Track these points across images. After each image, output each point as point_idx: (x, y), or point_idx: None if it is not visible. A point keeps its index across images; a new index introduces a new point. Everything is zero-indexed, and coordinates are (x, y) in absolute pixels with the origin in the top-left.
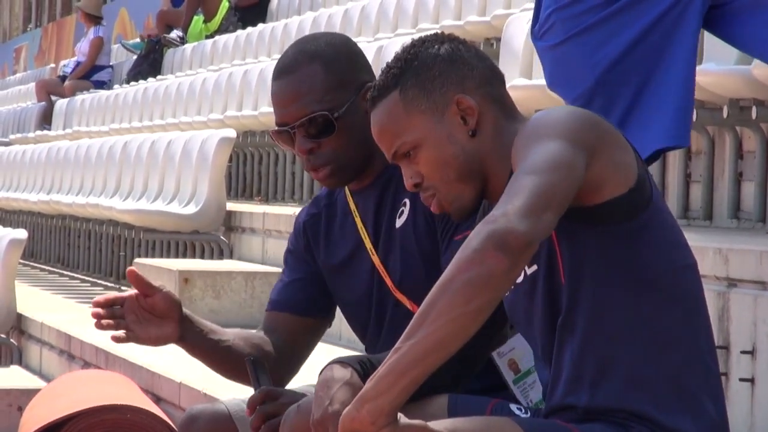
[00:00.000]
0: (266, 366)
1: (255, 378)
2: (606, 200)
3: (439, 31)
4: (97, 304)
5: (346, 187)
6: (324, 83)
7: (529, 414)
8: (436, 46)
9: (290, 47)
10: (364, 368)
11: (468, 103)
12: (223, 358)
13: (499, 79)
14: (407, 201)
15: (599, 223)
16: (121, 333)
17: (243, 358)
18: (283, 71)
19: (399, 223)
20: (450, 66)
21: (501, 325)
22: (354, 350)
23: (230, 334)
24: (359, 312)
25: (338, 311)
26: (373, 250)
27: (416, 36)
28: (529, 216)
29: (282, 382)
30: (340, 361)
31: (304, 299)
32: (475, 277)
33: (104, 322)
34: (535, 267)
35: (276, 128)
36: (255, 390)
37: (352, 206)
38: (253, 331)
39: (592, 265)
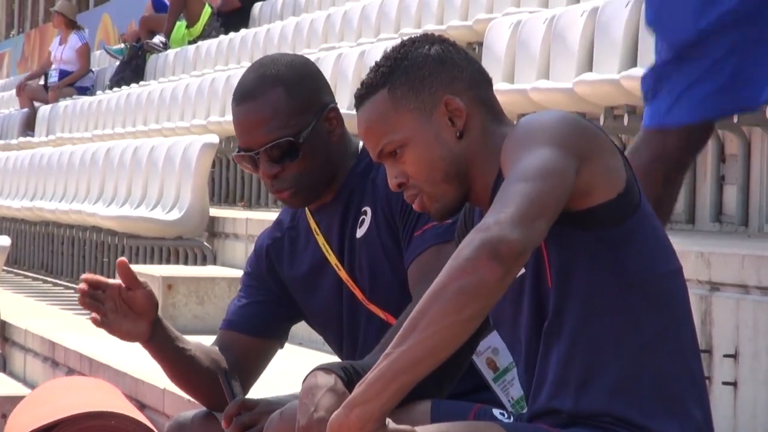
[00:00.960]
0: (238, 377)
1: (229, 389)
2: (595, 205)
3: (429, 32)
4: (85, 280)
5: (306, 207)
6: (287, 107)
7: (512, 419)
8: (426, 47)
9: (250, 71)
10: (347, 374)
11: (456, 105)
12: (184, 368)
13: (487, 82)
14: (368, 209)
15: (588, 228)
16: (96, 315)
17: (202, 370)
18: (245, 96)
19: (360, 232)
20: (440, 67)
21: (483, 330)
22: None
23: (192, 345)
24: (332, 329)
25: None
26: (339, 266)
27: (398, 41)
28: (521, 224)
29: None
30: (324, 368)
31: (261, 322)
32: (467, 286)
33: (87, 300)
34: (522, 270)
35: (239, 153)
36: (229, 401)
37: (313, 225)
38: (210, 345)
39: (580, 270)
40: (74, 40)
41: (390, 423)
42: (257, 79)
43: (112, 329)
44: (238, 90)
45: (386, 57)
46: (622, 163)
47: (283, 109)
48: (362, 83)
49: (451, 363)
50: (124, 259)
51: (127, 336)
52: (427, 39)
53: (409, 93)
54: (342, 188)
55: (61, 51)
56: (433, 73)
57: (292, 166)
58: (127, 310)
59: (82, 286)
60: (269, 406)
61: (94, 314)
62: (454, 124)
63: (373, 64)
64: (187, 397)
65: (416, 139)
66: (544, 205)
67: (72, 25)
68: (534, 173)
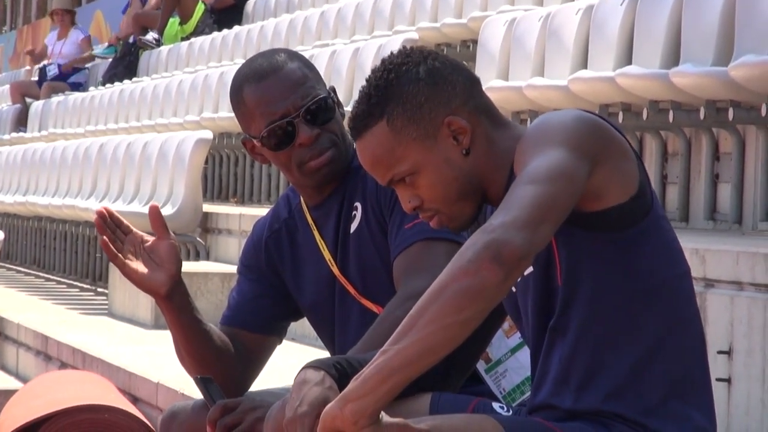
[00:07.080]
0: (215, 381)
1: (207, 395)
2: (607, 207)
3: (406, 46)
4: (106, 211)
5: (303, 203)
6: (311, 76)
7: (510, 412)
8: (414, 69)
9: (256, 57)
10: (339, 370)
11: (459, 124)
12: (198, 338)
13: (478, 85)
14: (358, 205)
15: (599, 230)
16: (112, 248)
17: (215, 346)
18: (266, 73)
19: (352, 228)
20: (434, 89)
21: (494, 328)
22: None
23: (208, 323)
24: (325, 325)
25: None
26: (332, 262)
27: (392, 37)
28: (526, 228)
29: (237, 393)
30: (314, 365)
31: (261, 318)
32: (468, 287)
33: (105, 231)
34: (531, 269)
35: (272, 124)
36: (210, 406)
37: (310, 221)
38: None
39: (589, 271)
40: (76, 34)
41: (384, 416)
42: (271, 59)
43: (128, 271)
44: (253, 72)
45: (375, 86)
46: (635, 164)
47: (309, 76)
48: (355, 114)
49: (461, 357)
50: (156, 204)
51: (142, 283)
52: (412, 59)
53: (409, 123)
54: (338, 186)
55: (60, 46)
56: (429, 97)
57: (329, 126)
58: (147, 259)
59: (101, 209)
60: (252, 402)
61: (107, 243)
62: (459, 142)
63: (365, 84)
64: (180, 391)
65: (426, 165)
66: (551, 209)
67: (70, 17)
68: (543, 176)
